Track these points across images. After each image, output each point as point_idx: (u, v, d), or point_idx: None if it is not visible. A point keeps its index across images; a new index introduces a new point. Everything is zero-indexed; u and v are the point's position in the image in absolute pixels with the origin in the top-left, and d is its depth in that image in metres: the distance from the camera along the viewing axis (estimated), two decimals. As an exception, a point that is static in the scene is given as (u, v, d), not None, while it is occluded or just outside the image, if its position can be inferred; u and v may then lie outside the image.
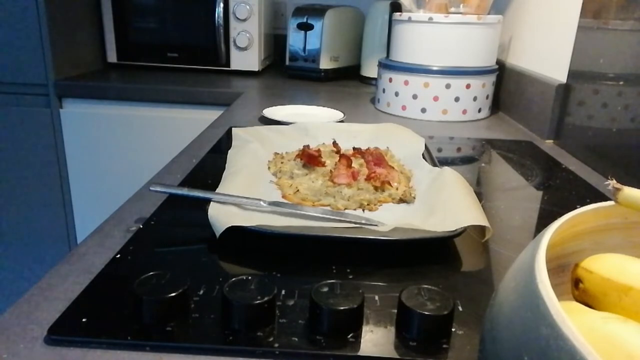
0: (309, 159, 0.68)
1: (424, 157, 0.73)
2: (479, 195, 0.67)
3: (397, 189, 0.62)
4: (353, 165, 0.68)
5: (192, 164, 0.75)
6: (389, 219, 0.54)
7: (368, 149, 0.74)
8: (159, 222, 0.55)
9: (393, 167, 0.67)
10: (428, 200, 0.59)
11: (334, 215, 0.54)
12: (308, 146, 0.72)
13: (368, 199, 0.59)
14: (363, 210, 0.58)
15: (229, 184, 0.59)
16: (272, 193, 0.62)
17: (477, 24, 1.06)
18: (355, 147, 0.75)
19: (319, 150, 0.71)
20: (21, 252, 1.57)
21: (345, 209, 0.58)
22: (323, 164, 0.68)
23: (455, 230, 0.49)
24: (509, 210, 0.63)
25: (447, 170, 0.62)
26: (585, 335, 0.19)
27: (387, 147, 0.78)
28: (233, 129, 0.81)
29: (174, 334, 0.36)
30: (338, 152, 0.73)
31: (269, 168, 0.70)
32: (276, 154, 0.75)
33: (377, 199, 0.60)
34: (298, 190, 0.61)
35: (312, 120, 1.00)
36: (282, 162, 0.70)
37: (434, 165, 0.69)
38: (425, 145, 0.77)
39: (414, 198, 0.61)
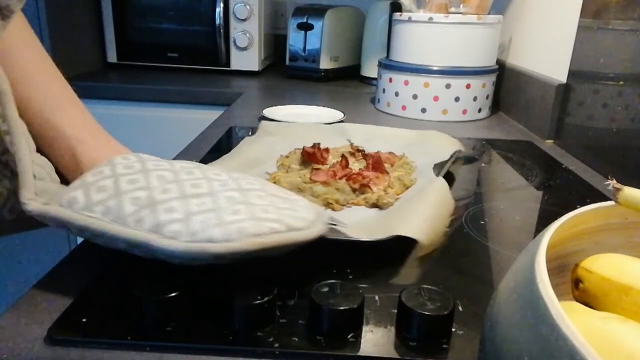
0: (308, 156, 0.69)
1: (440, 167, 0.70)
2: (479, 195, 0.67)
3: (374, 193, 0.61)
4: (350, 166, 0.68)
5: (192, 164, 0.75)
6: (346, 221, 0.52)
7: (377, 152, 0.73)
8: (159, 222, 0.55)
9: (387, 173, 0.66)
10: (399, 208, 0.57)
11: None
12: (319, 144, 0.72)
13: (336, 198, 0.59)
14: (326, 208, 0.58)
15: (220, 165, 0.59)
16: None
17: (477, 24, 1.06)
18: (360, 149, 0.75)
19: (327, 150, 0.71)
20: (21, 252, 1.56)
21: None
22: (322, 162, 0.68)
23: (379, 239, 0.47)
24: (509, 210, 0.63)
25: (437, 180, 0.62)
26: (585, 335, 0.19)
27: (403, 153, 0.76)
28: (262, 121, 0.80)
29: (174, 334, 0.36)
30: (353, 153, 0.73)
31: (277, 161, 0.71)
32: (296, 149, 0.75)
33: (347, 200, 0.60)
34: (277, 183, 0.61)
35: (312, 121, 1.00)
36: (287, 157, 0.71)
37: (438, 174, 0.67)
38: (456, 156, 0.74)
39: (391, 205, 0.59)
